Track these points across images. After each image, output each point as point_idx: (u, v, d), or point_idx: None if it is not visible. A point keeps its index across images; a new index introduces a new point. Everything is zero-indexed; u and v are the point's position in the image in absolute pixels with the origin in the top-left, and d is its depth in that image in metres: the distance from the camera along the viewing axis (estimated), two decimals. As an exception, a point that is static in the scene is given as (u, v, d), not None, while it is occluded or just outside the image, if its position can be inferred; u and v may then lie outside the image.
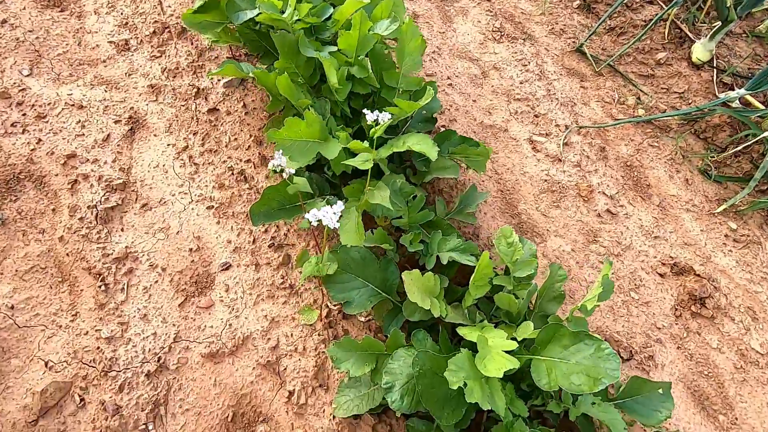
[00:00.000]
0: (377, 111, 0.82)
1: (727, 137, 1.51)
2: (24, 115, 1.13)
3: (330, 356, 0.84)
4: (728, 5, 1.46)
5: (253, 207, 0.88)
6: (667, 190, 1.41)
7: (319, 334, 0.97)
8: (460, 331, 0.82)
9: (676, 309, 1.21)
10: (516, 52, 1.59)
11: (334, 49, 1.00)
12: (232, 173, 1.13)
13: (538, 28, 1.69)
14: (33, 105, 1.15)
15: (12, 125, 1.11)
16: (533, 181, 1.32)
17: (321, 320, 0.99)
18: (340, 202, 0.71)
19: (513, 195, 1.29)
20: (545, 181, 1.33)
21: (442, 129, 1.34)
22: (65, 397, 0.85)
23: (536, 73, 1.54)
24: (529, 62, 1.57)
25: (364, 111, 0.82)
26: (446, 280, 0.91)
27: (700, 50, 1.63)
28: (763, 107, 1.48)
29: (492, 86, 1.49)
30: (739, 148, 1.44)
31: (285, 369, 0.94)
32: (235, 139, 1.19)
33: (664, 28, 1.72)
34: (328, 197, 0.96)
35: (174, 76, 1.26)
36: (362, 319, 1.01)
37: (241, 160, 1.16)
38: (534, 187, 1.32)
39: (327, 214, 0.68)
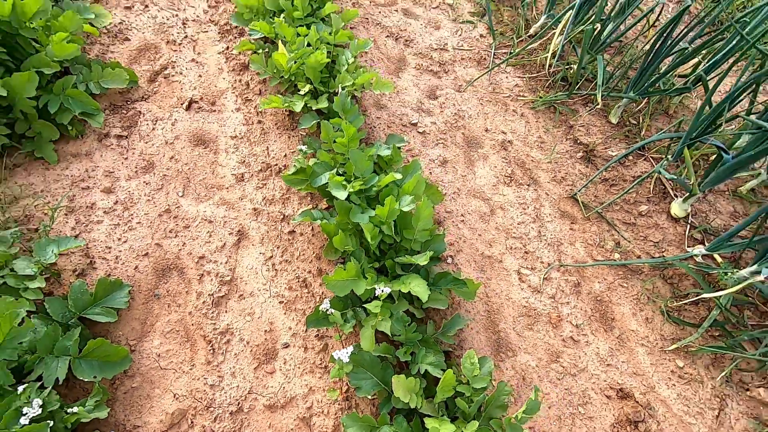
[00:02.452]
0: (383, 285, 1.33)
1: (690, 285, 1.84)
2: (177, 225, 1.78)
3: (342, 422, 1.31)
4: (692, 182, 1.84)
5: (309, 317, 1.41)
6: (628, 325, 1.76)
7: (339, 404, 1.46)
8: (426, 421, 1.27)
9: (614, 427, 1.54)
10: (520, 196, 2.05)
11: (372, 213, 1.53)
12: (298, 280, 1.69)
13: (543, 175, 2.15)
14: (183, 218, 1.80)
15: (170, 231, 1.75)
16: (515, 306, 1.75)
17: (342, 394, 1.47)
18: (350, 347, 1.22)
19: (497, 315, 1.72)
20: (524, 306, 1.75)
21: (449, 258, 1.83)
22: (183, 419, 1.40)
23: (533, 216, 1.99)
24: (528, 206, 2.02)
25: (375, 287, 1.33)
26: (425, 381, 1.37)
27: (676, 207, 2.00)
28: (719, 266, 1.80)
29: (496, 223, 1.96)
30: (697, 297, 1.77)
31: (314, 424, 1.43)
32: (303, 254, 1.75)
33: (651, 183, 2.11)
34: (352, 312, 1.47)
35: (269, 203, 1.87)
36: (369, 397, 1.48)
37: (305, 271, 1.71)
38: (515, 310, 1.74)
39: (343, 353, 1.19)
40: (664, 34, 1.90)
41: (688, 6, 1.73)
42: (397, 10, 2.76)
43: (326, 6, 2.17)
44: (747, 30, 1.80)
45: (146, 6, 2.48)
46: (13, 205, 1.70)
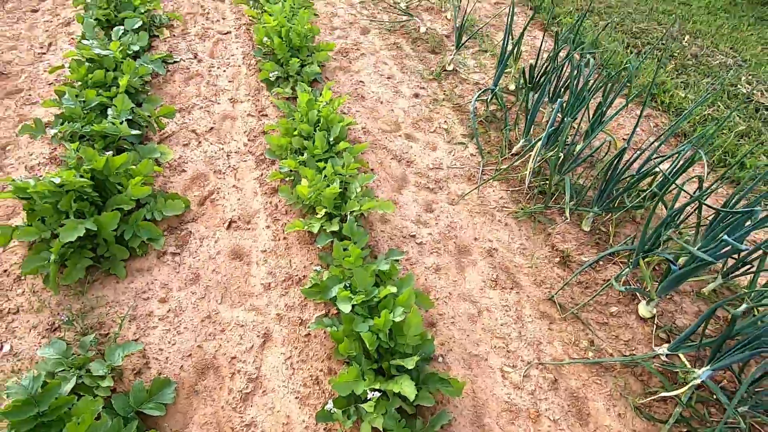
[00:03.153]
0: (378, 385, 1.65)
1: (658, 383, 2.05)
2: (215, 329, 2.17)
3: None
4: (649, 289, 2.14)
5: (318, 414, 1.73)
6: (602, 421, 1.97)
7: (342, 492, 1.71)
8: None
9: None
10: (503, 299, 2.38)
11: (372, 323, 1.89)
12: (312, 378, 2.02)
13: (525, 278, 2.48)
14: (220, 323, 2.20)
15: (209, 335, 2.15)
16: (498, 402, 2.00)
17: (345, 483, 1.73)
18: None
19: (482, 410, 1.97)
20: (506, 402, 2.00)
21: (440, 357, 2.13)
22: (212, 503, 1.68)
23: (514, 317, 2.30)
24: (511, 308, 2.34)
25: (368, 392, 1.66)
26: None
27: (643, 308, 2.27)
28: (681, 366, 2.03)
29: (482, 324, 2.27)
30: (659, 396, 1.98)
31: None
32: (316, 354, 2.10)
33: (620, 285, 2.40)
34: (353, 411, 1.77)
35: (290, 309, 2.26)
36: (369, 486, 1.72)
37: (317, 369, 2.04)
38: (498, 406, 1.99)
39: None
40: (614, 163, 2.32)
41: (625, 148, 2.16)
42: (401, 135, 3.33)
43: (340, 144, 2.72)
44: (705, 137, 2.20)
45: (200, 143, 3.12)
46: (90, 314, 2.15)
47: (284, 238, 2.56)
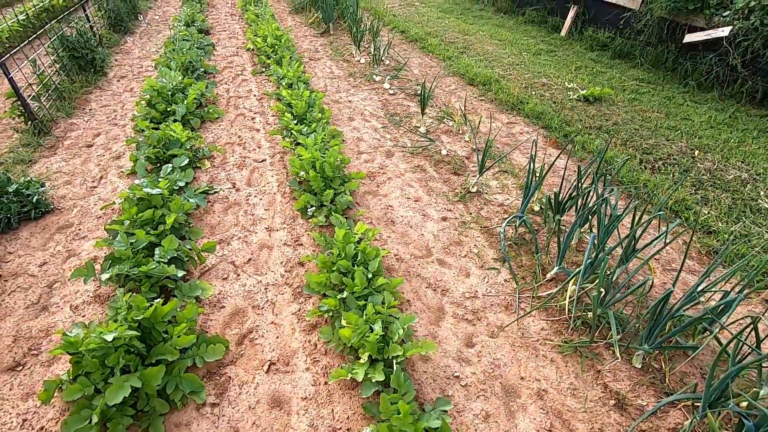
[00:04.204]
0: None
1: None
2: (255, 497, 2.02)
3: None
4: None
5: None
6: None
7: None
8: None
9: None
10: (562, 454, 2.20)
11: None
12: None
13: (581, 426, 2.33)
14: (260, 489, 2.04)
15: (249, 506, 1.99)
16: None
17: None
18: None
19: None
20: None
21: None
22: None
23: (578, 478, 2.11)
24: (572, 465, 2.16)
25: None
26: None
27: (719, 467, 2.07)
28: None
29: (544, 487, 2.08)
30: None
31: None
32: None
33: (687, 436, 2.23)
34: None
35: (335, 471, 2.11)
36: None
37: None
38: None
39: None
40: (660, 304, 2.29)
41: (671, 292, 2.16)
42: (432, 261, 3.38)
43: (378, 280, 2.77)
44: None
45: (238, 275, 3.20)
46: (125, 482, 2.02)
47: (325, 383, 2.49)
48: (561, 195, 3.34)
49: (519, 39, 8.44)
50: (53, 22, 6.25)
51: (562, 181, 3.38)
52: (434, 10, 10.59)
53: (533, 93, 6.13)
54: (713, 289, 2.51)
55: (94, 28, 7.39)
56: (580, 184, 3.17)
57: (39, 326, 2.79)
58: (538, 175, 3.69)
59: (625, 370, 2.57)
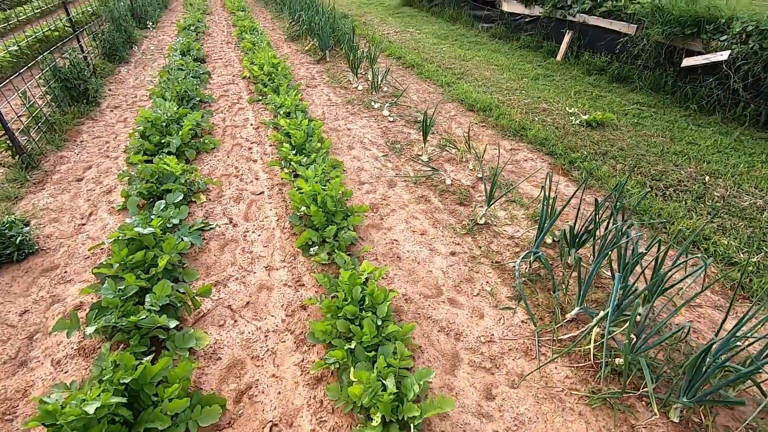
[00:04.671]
0: None
1: None
2: None
3: None
4: None
5: None
6: None
7: None
8: None
9: None
10: None
11: None
12: None
13: (620, 494, 2.09)
14: None
15: None
16: None
17: None
18: None
19: None
20: None
21: None
22: None
23: None
24: None
25: None
26: None
27: None
28: None
29: None
30: None
31: None
32: None
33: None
34: None
35: None
36: None
37: None
38: None
39: None
40: (700, 357, 2.10)
41: (713, 343, 1.96)
42: (444, 301, 3.17)
43: (389, 327, 2.55)
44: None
45: (235, 321, 2.97)
46: None
47: (333, 449, 2.24)
48: (576, 228, 3.18)
49: (516, 64, 8.45)
50: (46, 53, 6.13)
51: (578, 213, 3.22)
52: (430, 37, 10.66)
53: (535, 118, 6.05)
54: (755, 335, 2.32)
55: (88, 58, 7.30)
56: (597, 218, 3.01)
57: (16, 385, 2.53)
58: (550, 206, 3.53)
59: (662, 425, 2.34)
